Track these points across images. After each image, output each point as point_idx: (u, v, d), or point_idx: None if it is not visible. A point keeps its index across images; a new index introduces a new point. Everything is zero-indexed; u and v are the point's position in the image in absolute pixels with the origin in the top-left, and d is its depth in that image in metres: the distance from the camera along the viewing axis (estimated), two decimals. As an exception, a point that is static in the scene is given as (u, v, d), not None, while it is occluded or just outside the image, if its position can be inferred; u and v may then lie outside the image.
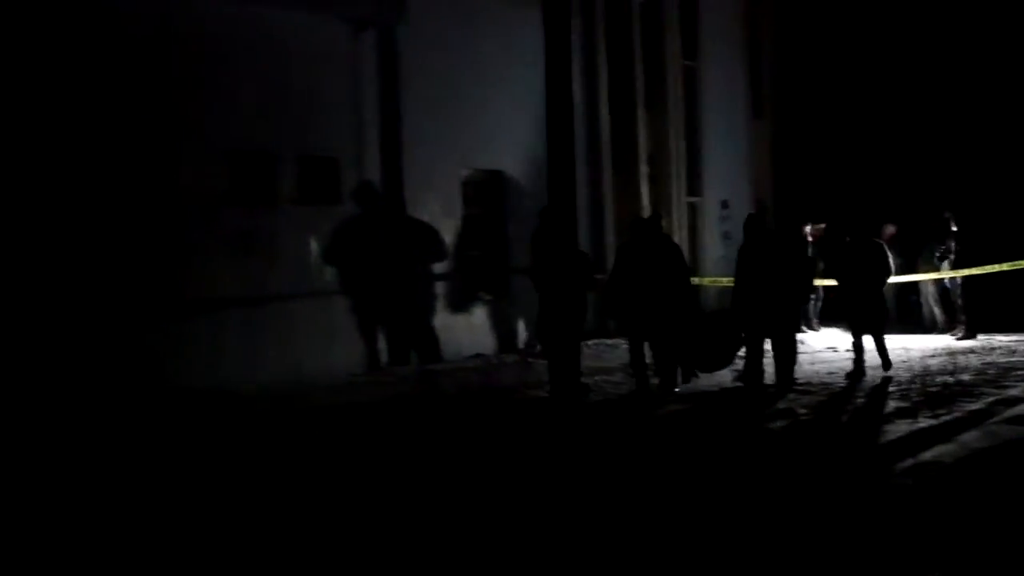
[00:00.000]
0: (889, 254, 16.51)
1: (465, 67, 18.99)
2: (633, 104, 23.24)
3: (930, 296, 21.27)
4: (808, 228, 21.98)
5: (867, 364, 15.88)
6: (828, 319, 21.94)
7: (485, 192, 19.97)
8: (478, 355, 18.58)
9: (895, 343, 19.40)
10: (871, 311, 16.13)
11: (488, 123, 19.48)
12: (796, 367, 15.30)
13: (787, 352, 15.00)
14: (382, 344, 17.83)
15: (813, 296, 21.29)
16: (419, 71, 18.17)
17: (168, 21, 14.89)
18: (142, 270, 14.58)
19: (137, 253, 14.53)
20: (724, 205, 26.13)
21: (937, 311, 21.17)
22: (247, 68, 15.93)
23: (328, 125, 17.18)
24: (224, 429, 12.86)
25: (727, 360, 15.75)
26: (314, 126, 16.94)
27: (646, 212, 22.38)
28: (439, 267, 18.54)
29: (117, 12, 14.35)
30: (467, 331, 18.87)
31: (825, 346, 19.54)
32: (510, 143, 19.89)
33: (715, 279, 21.74)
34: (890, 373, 15.93)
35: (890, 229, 21.18)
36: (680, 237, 23.56)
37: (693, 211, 25.12)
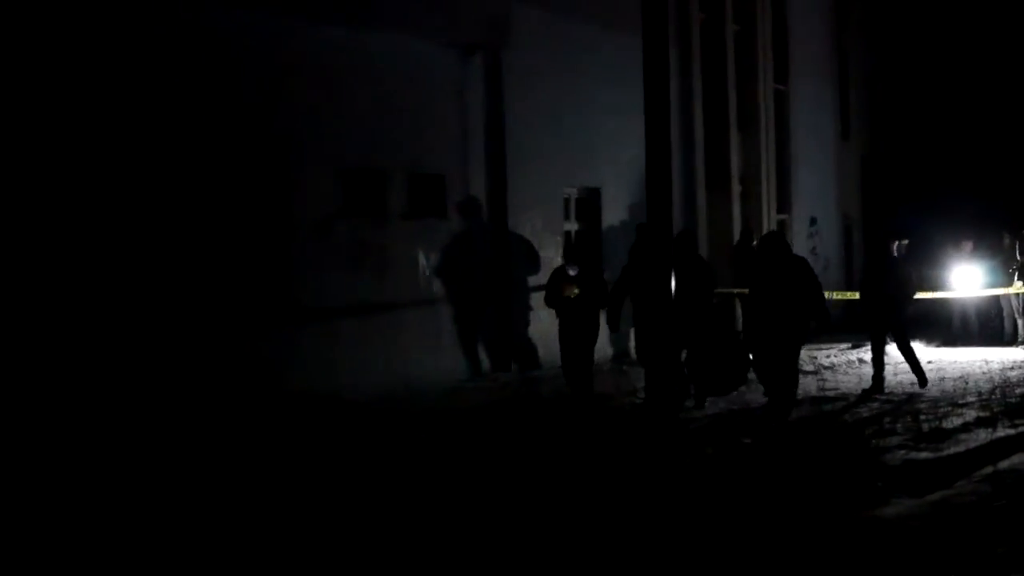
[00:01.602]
0: (913, 271, 16.90)
1: (567, 90, 19.44)
2: (726, 126, 23.91)
3: (1015, 310, 21.43)
4: (895, 244, 22.31)
5: (949, 376, 16.32)
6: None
7: (585, 208, 20.52)
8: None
9: (976, 355, 19.74)
10: (885, 325, 16.38)
11: (588, 143, 19.95)
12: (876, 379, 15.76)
13: (786, 378, 14.22)
14: (485, 352, 18.30)
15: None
16: (523, 93, 18.62)
17: (286, 49, 15.24)
18: (262, 281, 14.86)
19: (258, 265, 14.84)
20: (812, 222, 26.80)
21: (1020, 323, 21.30)
22: (361, 91, 16.29)
23: (436, 144, 17.58)
24: (346, 432, 13.35)
25: (737, 383, 14.96)
26: (423, 145, 17.32)
27: (737, 228, 23.14)
28: (536, 279, 18.71)
29: (239, 41, 14.68)
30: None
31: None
32: (609, 162, 20.36)
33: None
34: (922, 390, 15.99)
35: (968, 245, 21.52)
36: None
37: (782, 228, 25.72)
